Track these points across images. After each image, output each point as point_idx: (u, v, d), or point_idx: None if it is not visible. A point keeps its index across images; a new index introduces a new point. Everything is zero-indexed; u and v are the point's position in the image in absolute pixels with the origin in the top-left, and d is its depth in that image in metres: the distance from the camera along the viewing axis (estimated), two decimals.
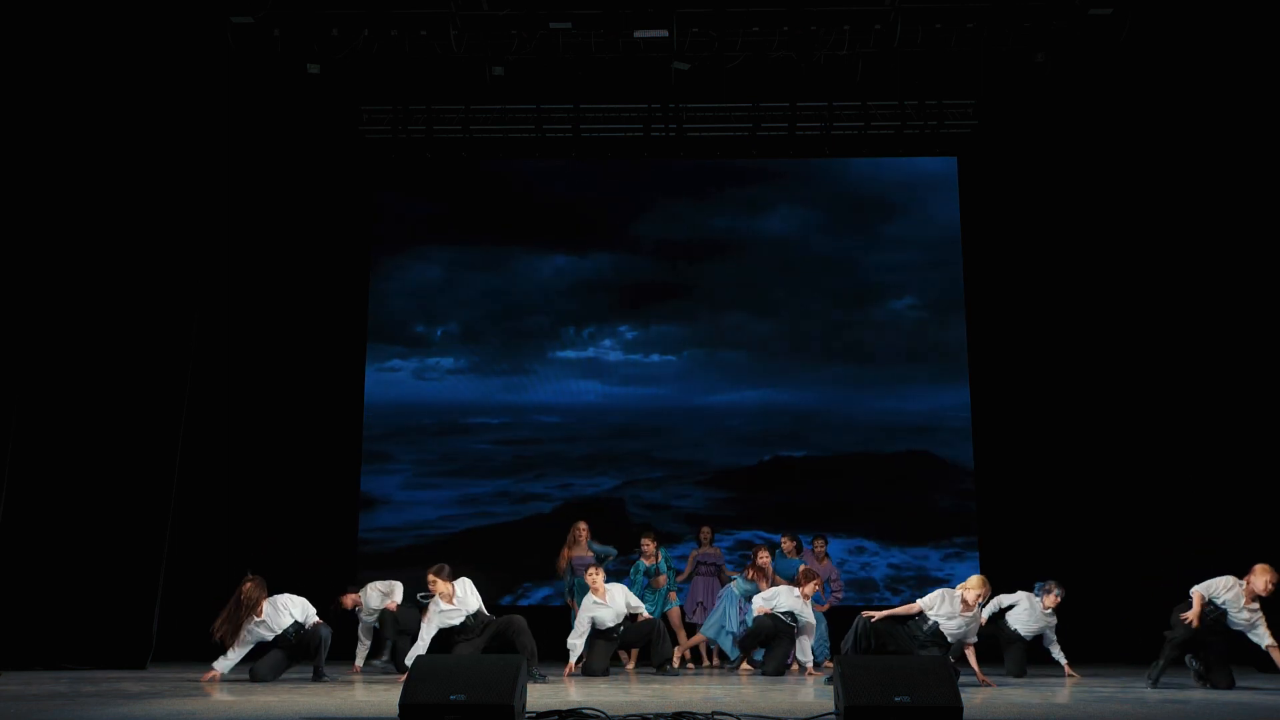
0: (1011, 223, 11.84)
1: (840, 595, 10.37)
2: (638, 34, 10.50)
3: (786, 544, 10.16)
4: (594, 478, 11.85)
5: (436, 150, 12.23)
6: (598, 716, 5.47)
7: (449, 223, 12.47)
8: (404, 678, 5.55)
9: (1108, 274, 11.47)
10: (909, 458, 11.73)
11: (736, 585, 9.57)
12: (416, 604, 9.25)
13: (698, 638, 9.89)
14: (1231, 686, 7.57)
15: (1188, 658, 7.89)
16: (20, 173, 9.65)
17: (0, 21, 9.48)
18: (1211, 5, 10.17)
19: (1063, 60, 10.89)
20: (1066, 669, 8.79)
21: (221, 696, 6.89)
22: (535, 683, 7.58)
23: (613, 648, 8.86)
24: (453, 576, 8.43)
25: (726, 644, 9.52)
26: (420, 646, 8.09)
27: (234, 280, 11.69)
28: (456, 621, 8.37)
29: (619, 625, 8.80)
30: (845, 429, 11.83)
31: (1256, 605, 7.62)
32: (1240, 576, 7.75)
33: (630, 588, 9.25)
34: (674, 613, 9.94)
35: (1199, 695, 7.08)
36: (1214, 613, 7.66)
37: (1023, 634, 8.86)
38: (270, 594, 8.42)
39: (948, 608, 7.86)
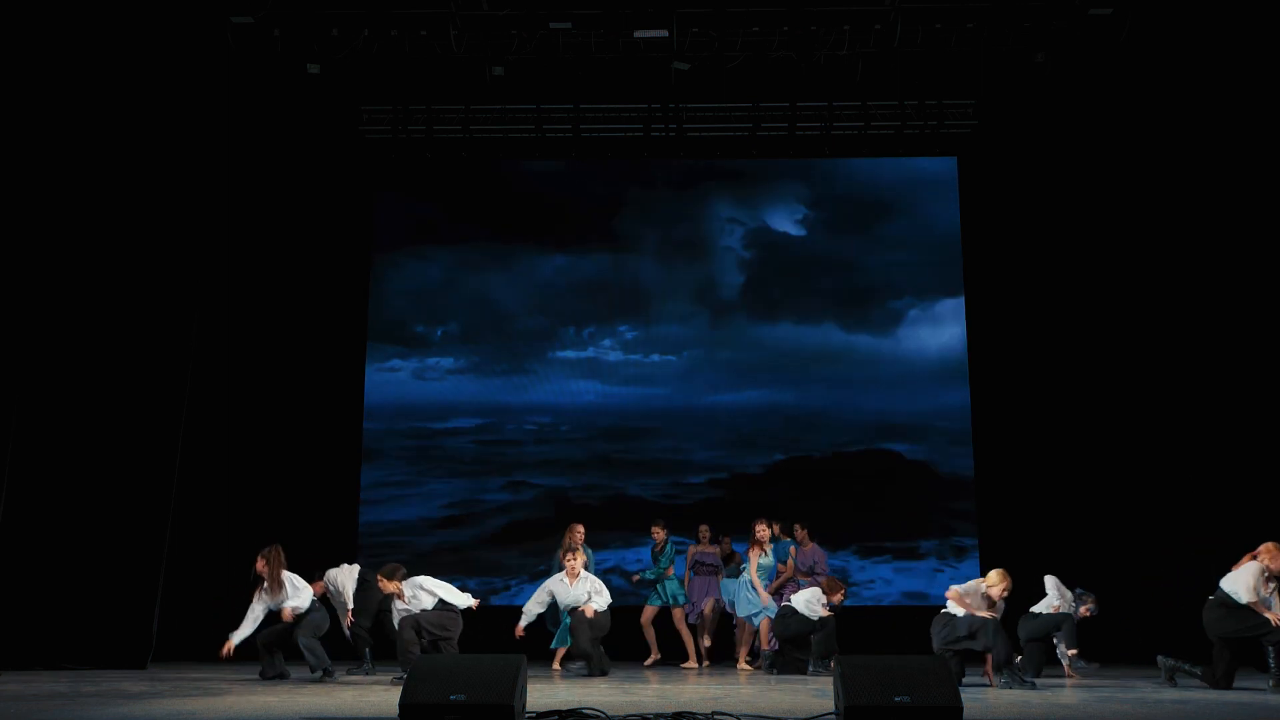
0: (1011, 223, 11.84)
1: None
2: (638, 34, 10.50)
3: (799, 532, 10.17)
4: (594, 478, 11.84)
5: (436, 150, 12.23)
6: (598, 716, 5.48)
7: (449, 223, 12.47)
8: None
9: (1108, 274, 11.46)
10: (909, 458, 11.73)
11: (752, 569, 9.54)
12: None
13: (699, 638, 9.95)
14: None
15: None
16: (21, 173, 9.65)
17: (1, 21, 9.47)
18: (1211, 5, 10.16)
19: (1063, 60, 10.89)
20: (1067, 669, 8.80)
21: (221, 697, 6.89)
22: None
23: (596, 632, 8.84)
24: (413, 574, 8.42)
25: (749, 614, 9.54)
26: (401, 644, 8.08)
27: (234, 280, 11.69)
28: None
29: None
30: (844, 429, 11.82)
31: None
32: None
33: (646, 572, 9.90)
34: (677, 613, 9.98)
35: (1199, 695, 7.08)
36: None
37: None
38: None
39: (976, 601, 7.87)
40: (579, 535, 9.76)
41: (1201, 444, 10.59)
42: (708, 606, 10.00)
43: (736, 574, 9.75)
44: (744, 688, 7.71)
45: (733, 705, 6.18)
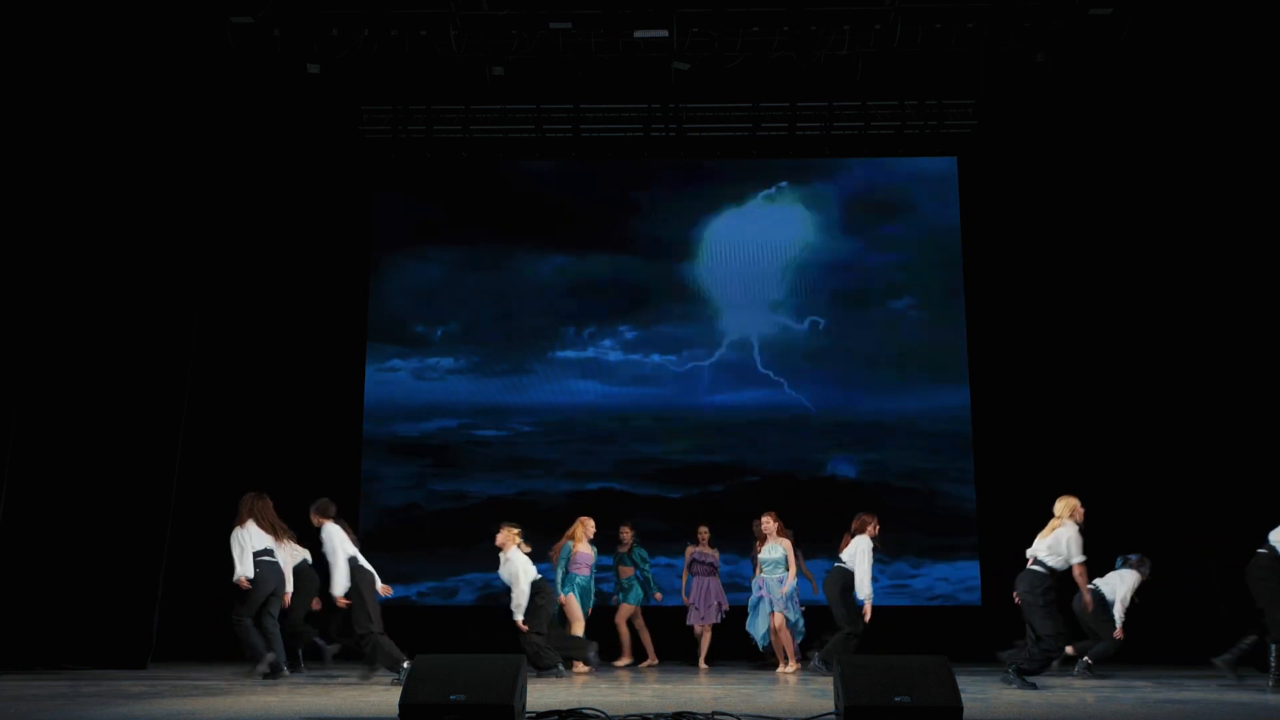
0: (1011, 223, 11.84)
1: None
2: (638, 34, 10.49)
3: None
4: (594, 477, 11.84)
5: (436, 150, 12.22)
6: (598, 716, 5.48)
7: (449, 223, 12.46)
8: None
9: (1108, 274, 11.46)
10: (908, 458, 11.72)
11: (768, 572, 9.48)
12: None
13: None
14: None
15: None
16: (21, 173, 9.66)
17: (1, 21, 9.48)
18: (1211, 5, 10.16)
19: (1063, 60, 10.88)
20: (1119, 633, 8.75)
21: (221, 697, 6.89)
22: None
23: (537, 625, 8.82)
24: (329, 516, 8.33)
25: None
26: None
27: (234, 280, 11.68)
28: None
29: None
30: (844, 429, 11.82)
31: None
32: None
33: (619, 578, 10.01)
34: (624, 609, 10.02)
35: (1199, 695, 7.08)
36: None
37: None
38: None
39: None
40: (590, 528, 9.75)
41: (1202, 443, 10.58)
42: (708, 608, 9.93)
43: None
44: (744, 688, 7.71)
45: (733, 705, 6.18)
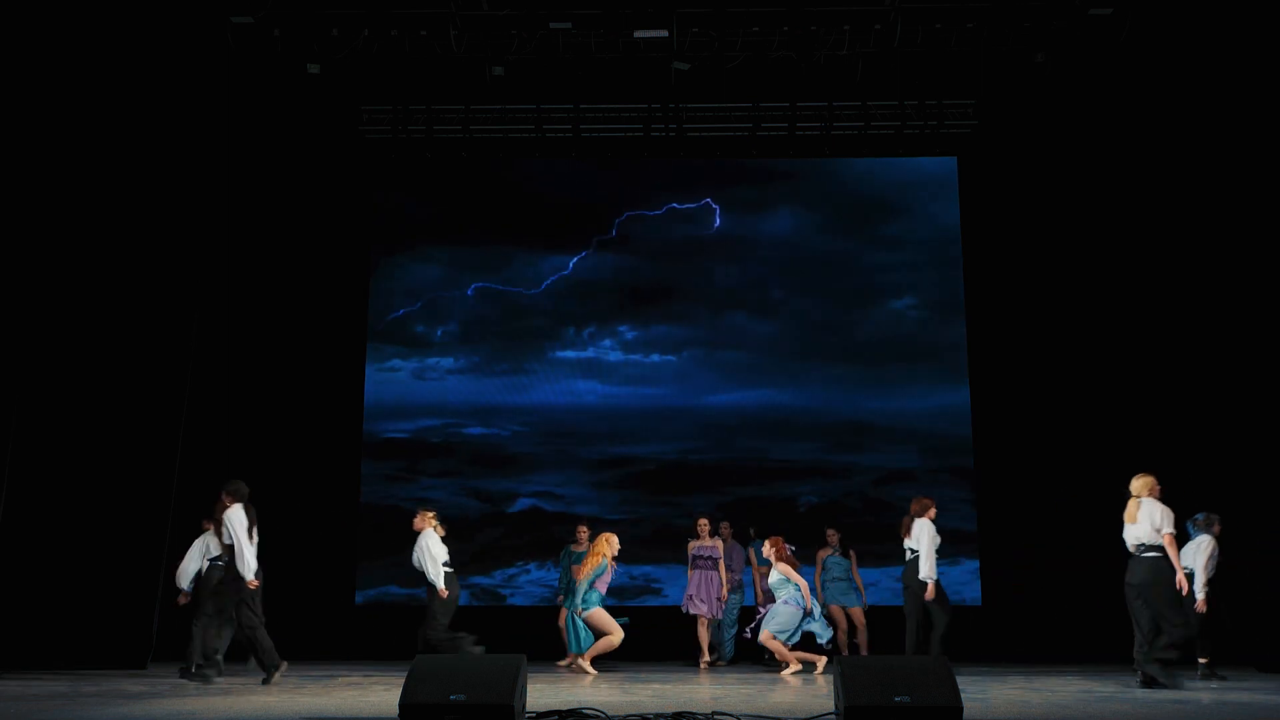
0: (1011, 223, 11.84)
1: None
2: (638, 34, 10.49)
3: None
4: (593, 478, 11.83)
5: (436, 150, 12.22)
6: (598, 716, 5.48)
7: (449, 223, 12.46)
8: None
9: (1108, 274, 11.46)
10: (909, 457, 11.72)
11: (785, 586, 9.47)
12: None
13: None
14: None
15: None
16: (21, 173, 9.66)
17: (1, 22, 9.48)
18: (1211, 5, 10.16)
19: (1063, 60, 10.88)
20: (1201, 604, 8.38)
21: (221, 697, 6.89)
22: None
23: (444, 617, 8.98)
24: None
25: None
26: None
27: (234, 280, 11.69)
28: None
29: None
30: (845, 429, 11.82)
31: None
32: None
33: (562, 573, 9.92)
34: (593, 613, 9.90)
35: (1199, 695, 7.08)
36: None
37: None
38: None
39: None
40: (615, 545, 9.69)
41: (1202, 443, 10.58)
42: (710, 600, 9.88)
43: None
44: (744, 688, 7.71)
45: (733, 705, 6.18)
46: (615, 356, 12.12)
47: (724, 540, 10.30)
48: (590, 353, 12.14)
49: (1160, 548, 7.78)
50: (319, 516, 11.51)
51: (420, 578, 9.04)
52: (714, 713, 5.60)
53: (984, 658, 10.30)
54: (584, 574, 9.38)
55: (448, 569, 9.01)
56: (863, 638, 10.15)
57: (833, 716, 5.43)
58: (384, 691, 7.22)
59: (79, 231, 10.04)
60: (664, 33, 10.43)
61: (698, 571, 10.00)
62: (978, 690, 7.33)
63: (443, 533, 9.08)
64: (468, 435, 11.96)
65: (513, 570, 11.62)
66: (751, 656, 10.20)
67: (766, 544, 9.63)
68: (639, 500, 11.71)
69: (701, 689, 7.58)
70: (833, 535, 10.42)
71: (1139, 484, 7.99)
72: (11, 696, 6.82)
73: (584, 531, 10.28)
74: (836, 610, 10.16)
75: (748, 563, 10.52)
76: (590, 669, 9.15)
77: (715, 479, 11.74)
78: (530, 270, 12.30)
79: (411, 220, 12.46)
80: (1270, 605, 9.71)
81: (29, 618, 9.15)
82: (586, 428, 11.93)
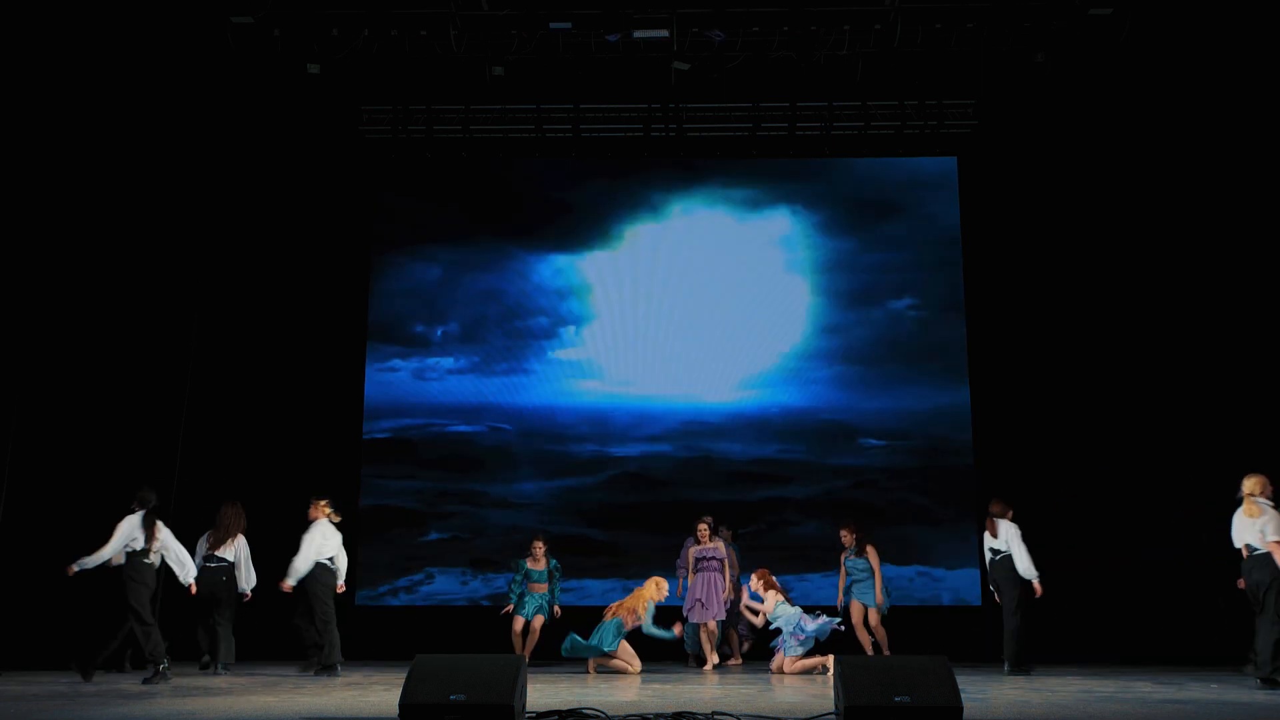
0: (1011, 223, 11.84)
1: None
2: (637, 34, 10.50)
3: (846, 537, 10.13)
4: (593, 478, 11.83)
5: (436, 150, 12.22)
6: (598, 716, 5.48)
7: (449, 223, 12.46)
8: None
9: (1108, 273, 11.46)
10: (909, 458, 11.72)
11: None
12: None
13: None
14: None
15: None
16: (21, 173, 9.67)
17: (2, 22, 9.48)
18: (1211, 5, 10.16)
19: (1063, 60, 10.89)
20: None
21: (221, 697, 6.89)
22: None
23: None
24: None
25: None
26: None
27: (234, 280, 11.69)
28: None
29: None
30: (845, 429, 11.81)
31: None
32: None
33: (510, 585, 9.84)
34: (537, 620, 9.88)
35: (1199, 695, 7.08)
36: None
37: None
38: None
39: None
40: (664, 590, 9.67)
41: (1202, 442, 10.59)
42: (709, 620, 9.77)
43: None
44: (744, 688, 7.71)
45: (733, 705, 6.18)
46: (615, 356, 12.11)
47: (725, 541, 10.26)
48: (590, 353, 12.13)
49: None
50: None
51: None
52: (714, 713, 5.60)
53: (984, 658, 10.30)
54: (621, 615, 9.26)
55: (328, 563, 9.03)
56: (881, 637, 9.82)
57: (833, 716, 5.43)
58: (384, 691, 7.22)
59: (79, 232, 10.06)
60: (664, 33, 10.43)
61: (702, 575, 9.87)
62: (978, 690, 7.33)
63: (338, 519, 9.18)
64: (468, 435, 11.95)
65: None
66: (760, 655, 10.17)
67: (754, 577, 9.70)
68: (639, 500, 11.70)
69: (701, 689, 7.58)
70: (847, 536, 10.05)
71: (1254, 483, 7.89)
72: (11, 696, 6.82)
73: (540, 546, 10.03)
74: (857, 606, 9.91)
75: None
76: (593, 670, 9.18)
77: (715, 479, 11.73)
78: (530, 270, 12.30)
79: (411, 220, 12.46)
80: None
81: (29, 618, 9.15)
82: (586, 428, 11.93)
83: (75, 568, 8.07)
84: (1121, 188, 11.50)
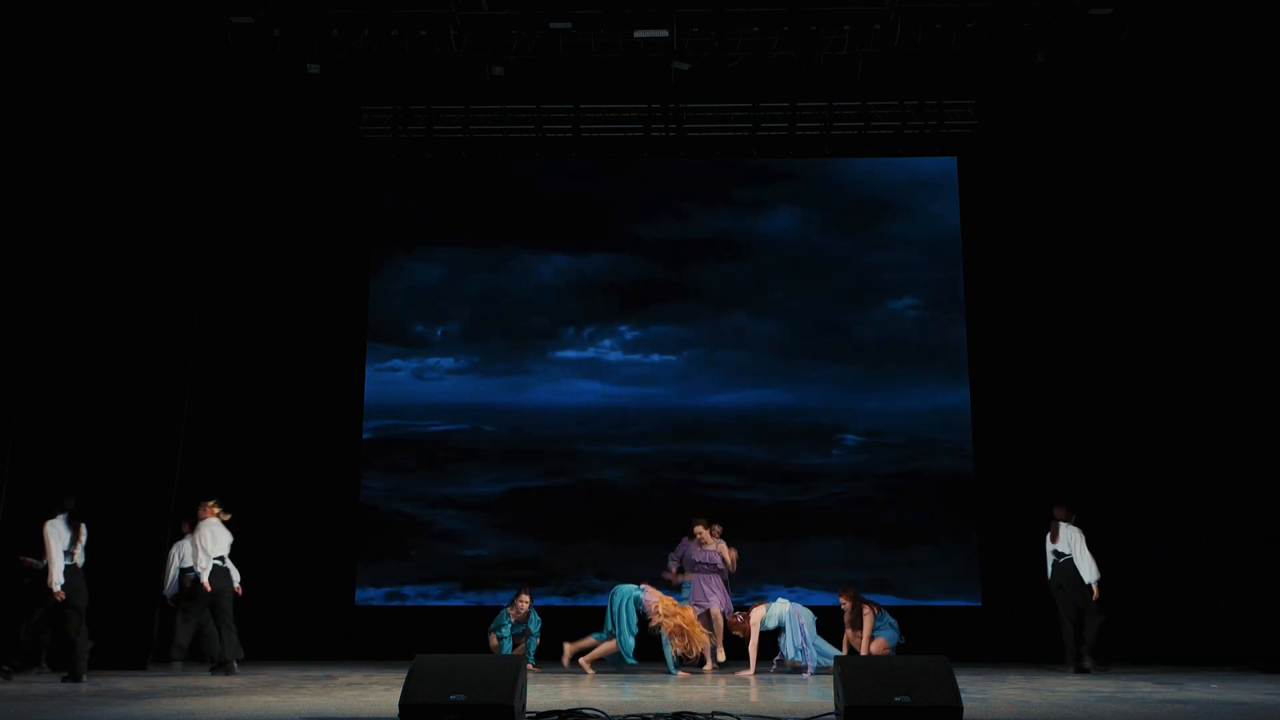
0: (1011, 223, 11.84)
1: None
2: (638, 34, 10.49)
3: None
4: (594, 477, 11.83)
5: (436, 150, 12.22)
6: (598, 716, 5.48)
7: (449, 223, 12.46)
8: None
9: (1108, 273, 11.46)
10: (909, 458, 11.72)
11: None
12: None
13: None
14: None
15: None
16: (22, 174, 9.66)
17: (1, 22, 9.48)
18: (1211, 5, 10.16)
19: (1063, 60, 10.89)
20: None
21: (221, 697, 6.89)
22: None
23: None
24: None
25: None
26: None
27: (234, 280, 11.68)
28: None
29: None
30: (845, 429, 11.82)
31: None
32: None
33: (499, 632, 9.53)
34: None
35: (1199, 695, 7.08)
36: None
37: None
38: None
39: None
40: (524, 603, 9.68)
41: (1202, 442, 10.59)
42: (715, 606, 9.69)
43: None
44: (744, 688, 7.71)
45: (733, 705, 6.18)
46: (615, 356, 12.12)
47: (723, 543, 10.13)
48: (590, 353, 12.14)
49: None
50: (319, 517, 11.52)
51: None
52: (714, 713, 5.60)
53: (984, 658, 10.30)
54: (660, 619, 9.12)
55: (219, 563, 9.06)
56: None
57: (833, 716, 5.43)
58: (384, 691, 7.22)
59: (80, 232, 10.05)
60: (664, 33, 10.43)
61: (701, 576, 9.83)
62: (978, 690, 7.33)
63: (227, 518, 9.23)
64: (468, 435, 11.95)
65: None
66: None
67: (734, 629, 9.47)
68: (639, 500, 11.69)
69: (701, 689, 7.59)
70: (845, 602, 9.81)
71: None
72: (11, 696, 6.82)
73: (525, 601, 9.72)
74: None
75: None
76: (589, 669, 9.17)
77: (715, 480, 11.73)
78: (530, 270, 12.30)
79: (411, 220, 12.46)
80: (1269, 605, 9.71)
81: (30, 618, 9.13)
82: (586, 428, 11.93)
83: (57, 590, 8.31)
84: (1122, 187, 11.49)
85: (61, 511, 8.45)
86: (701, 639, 9.16)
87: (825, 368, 11.96)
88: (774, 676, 8.89)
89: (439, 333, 12.25)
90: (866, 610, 9.65)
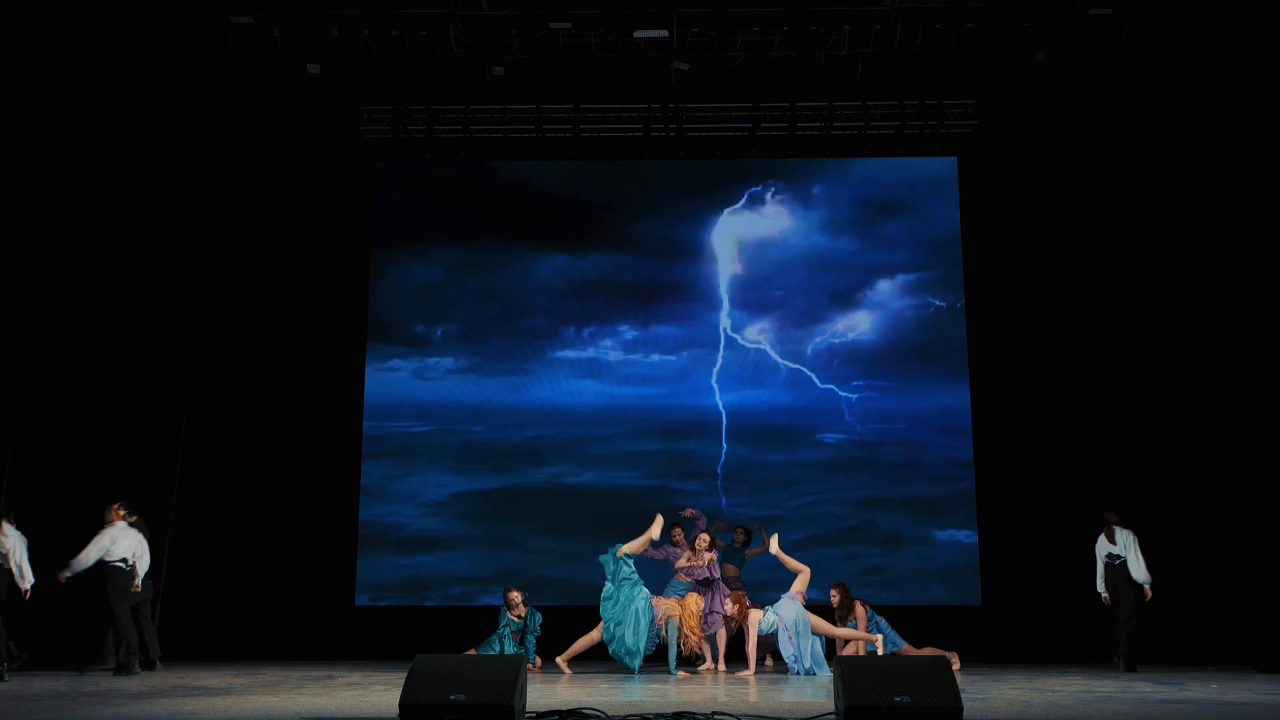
0: (1011, 223, 11.84)
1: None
2: (638, 34, 10.50)
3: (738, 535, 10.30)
4: (594, 477, 11.83)
5: (436, 150, 12.23)
6: (598, 716, 5.48)
7: (449, 223, 12.45)
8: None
9: (1108, 273, 11.46)
10: (909, 458, 11.72)
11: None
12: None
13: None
14: None
15: None
16: (22, 174, 9.67)
17: (2, 22, 9.49)
18: (1211, 5, 10.17)
19: (1063, 60, 10.89)
20: None
21: (221, 697, 6.89)
22: None
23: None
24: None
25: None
26: None
27: (234, 280, 11.68)
28: None
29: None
30: (845, 429, 11.82)
31: None
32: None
33: (498, 632, 9.51)
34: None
35: (1199, 695, 7.08)
36: None
37: None
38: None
39: None
40: (517, 599, 9.66)
41: (1202, 442, 10.59)
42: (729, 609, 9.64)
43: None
44: (744, 688, 7.71)
45: (733, 705, 6.18)
46: (615, 356, 12.12)
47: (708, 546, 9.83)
48: (590, 353, 12.13)
49: None
50: (319, 517, 11.52)
51: None
52: (714, 713, 5.60)
53: (984, 658, 10.30)
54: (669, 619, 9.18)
55: (122, 564, 8.99)
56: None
57: (833, 716, 5.43)
58: (384, 691, 7.22)
59: (80, 232, 10.07)
60: (664, 33, 10.43)
61: (699, 585, 9.76)
62: (978, 690, 7.33)
63: (133, 520, 9.16)
64: (468, 435, 11.95)
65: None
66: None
67: (729, 602, 9.38)
68: (639, 500, 11.68)
69: (701, 689, 7.59)
70: (836, 597, 9.75)
71: None
72: (12, 696, 6.82)
73: (516, 597, 9.71)
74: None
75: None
76: (567, 669, 9.17)
77: (715, 480, 11.73)
78: (530, 270, 12.30)
79: (411, 220, 12.45)
80: (1269, 605, 9.71)
81: (30, 618, 9.15)
82: (586, 428, 11.93)
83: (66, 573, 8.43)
84: (1121, 187, 11.49)
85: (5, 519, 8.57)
86: (696, 631, 9.25)
87: (824, 368, 11.95)
88: (774, 676, 8.88)
89: (439, 333, 12.25)
90: (858, 606, 9.62)
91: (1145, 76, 10.99)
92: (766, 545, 10.17)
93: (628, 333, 12.16)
